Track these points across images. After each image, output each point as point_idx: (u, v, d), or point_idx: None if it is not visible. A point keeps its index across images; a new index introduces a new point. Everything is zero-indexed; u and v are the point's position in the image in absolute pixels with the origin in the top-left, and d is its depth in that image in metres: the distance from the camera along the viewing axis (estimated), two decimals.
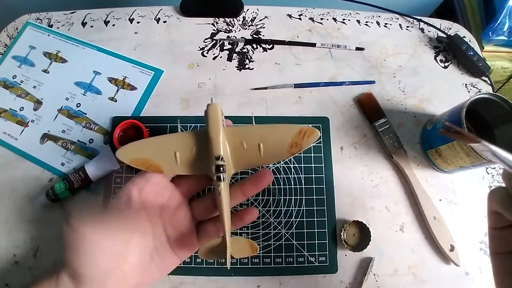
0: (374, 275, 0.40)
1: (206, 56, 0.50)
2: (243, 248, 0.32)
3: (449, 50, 0.52)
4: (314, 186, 0.43)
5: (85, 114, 0.47)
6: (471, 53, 0.49)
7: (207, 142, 0.30)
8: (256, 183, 0.32)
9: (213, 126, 0.30)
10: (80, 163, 0.44)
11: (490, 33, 0.69)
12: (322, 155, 0.45)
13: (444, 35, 0.52)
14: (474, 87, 0.50)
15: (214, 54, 0.50)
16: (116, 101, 0.47)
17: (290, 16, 0.53)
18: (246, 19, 0.53)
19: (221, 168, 0.29)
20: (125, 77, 0.49)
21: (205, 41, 0.51)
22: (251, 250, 0.32)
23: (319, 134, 0.30)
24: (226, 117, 0.47)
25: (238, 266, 0.40)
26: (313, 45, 0.51)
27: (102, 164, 0.42)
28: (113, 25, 0.52)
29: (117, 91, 0.48)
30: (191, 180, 0.33)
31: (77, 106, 0.47)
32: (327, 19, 0.53)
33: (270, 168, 0.44)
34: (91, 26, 0.52)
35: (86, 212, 0.29)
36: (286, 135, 0.30)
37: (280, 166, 0.44)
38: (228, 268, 0.29)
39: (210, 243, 0.30)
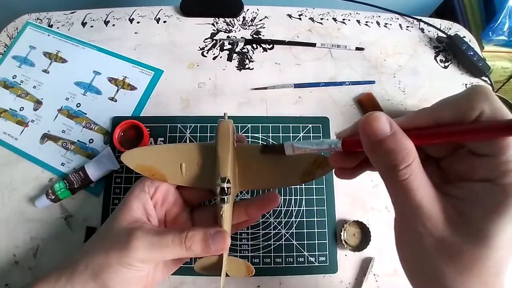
0: (374, 275, 0.40)
1: (206, 56, 0.50)
2: (239, 269, 0.32)
3: (449, 50, 0.52)
4: (314, 186, 0.43)
5: (85, 114, 0.47)
6: (471, 53, 0.49)
7: (214, 158, 0.29)
8: (262, 206, 0.31)
9: (223, 145, 0.28)
10: (80, 163, 0.44)
11: (490, 33, 0.69)
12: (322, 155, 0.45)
13: (444, 35, 0.52)
14: None
15: (214, 54, 0.50)
16: (116, 101, 0.47)
17: (290, 16, 0.53)
18: (246, 19, 0.53)
19: (226, 190, 0.28)
20: (125, 77, 0.49)
21: (205, 41, 0.51)
22: (247, 272, 0.31)
23: (333, 167, 0.27)
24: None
25: None
26: (313, 45, 0.51)
27: (102, 164, 0.42)
28: (113, 25, 0.52)
29: (117, 91, 0.48)
30: (194, 190, 0.33)
31: (77, 106, 0.47)
32: (327, 19, 0.53)
33: None
34: (91, 26, 0.52)
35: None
36: (300, 163, 0.29)
37: None
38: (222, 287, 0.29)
39: (206, 259, 0.30)
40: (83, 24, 0.52)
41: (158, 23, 0.52)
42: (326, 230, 0.42)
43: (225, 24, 0.52)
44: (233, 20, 0.53)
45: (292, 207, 0.42)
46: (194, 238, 0.26)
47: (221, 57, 0.50)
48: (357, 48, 0.51)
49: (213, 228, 0.27)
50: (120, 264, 0.26)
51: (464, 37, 0.52)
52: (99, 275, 0.26)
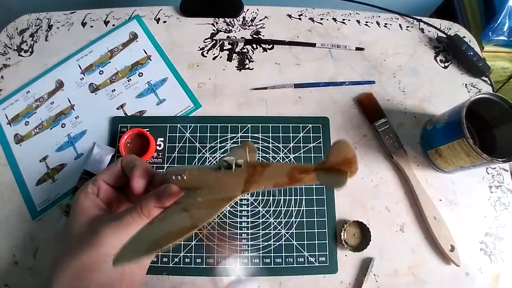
0: (374, 275, 0.40)
1: (206, 56, 0.50)
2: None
3: (449, 50, 0.52)
4: (314, 186, 0.43)
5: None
6: (471, 53, 0.49)
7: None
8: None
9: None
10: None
11: (490, 33, 0.69)
12: (322, 155, 0.45)
13: (444, 35, 0.52)
14: (474, 87, 0.50)
15: (214, 54, 0.50)
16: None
17: (290, 16, 0.53)
18: (246, 19, 0.53)
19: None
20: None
21: (205, 41, 0.51)
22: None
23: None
24: (225, 117, 0.47)
25: (238, 266, 0.40)
26: (313, 45, 0.51)
27: (99, 155, 0.43)
28: (113, 25, 0.52)
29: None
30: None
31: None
32: (327, 19, 0.53)
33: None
34: (91, 26, 0.52)
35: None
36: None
37: None
38: None
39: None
40: (83, 24, 0.52)
41: (158, 23, 0.52)
42: (326, 230, 0.42)
43: (225, 24, 0.52)
44: (233, 20, 0.53)
45: (292, 207, 0.42)
46: (149, 205, 0.27)
47: (221, 57, 0.50)
48: (357, 48, 0.51)
49: (158, 189, 0.28)
50: (96, 260, 0.26)
51: (464, 37, 0.52)
52: (78, 282, 0.26)
